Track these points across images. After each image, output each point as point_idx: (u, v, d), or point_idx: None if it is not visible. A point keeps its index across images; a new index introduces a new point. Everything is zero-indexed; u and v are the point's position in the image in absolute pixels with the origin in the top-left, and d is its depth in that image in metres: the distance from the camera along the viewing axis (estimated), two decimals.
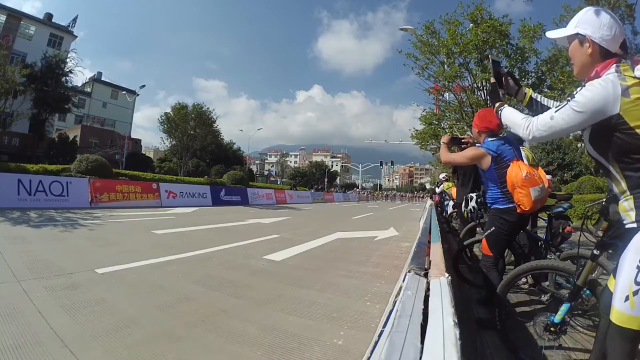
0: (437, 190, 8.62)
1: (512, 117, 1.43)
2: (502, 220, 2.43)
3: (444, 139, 2.67)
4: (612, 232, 1.46)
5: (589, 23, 1.23)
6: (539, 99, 1.64)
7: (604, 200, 1.41)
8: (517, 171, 2.30)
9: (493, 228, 2.46)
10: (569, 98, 1.17)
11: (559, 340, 1.69)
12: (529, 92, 1.67)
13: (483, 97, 12.21)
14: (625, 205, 1.15)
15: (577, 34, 1.25)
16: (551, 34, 1.40)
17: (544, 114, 1.25)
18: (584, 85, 1.15)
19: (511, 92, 1.70)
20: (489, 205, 2.60)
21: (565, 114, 1.16)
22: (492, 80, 1.72)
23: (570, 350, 1.93)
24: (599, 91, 1.09)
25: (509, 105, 1.58)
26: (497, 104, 1.61)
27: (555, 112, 1.19)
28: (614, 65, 1.15)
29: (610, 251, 1.71)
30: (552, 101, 1.63)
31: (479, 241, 3.44)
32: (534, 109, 1.50)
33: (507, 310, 2.27)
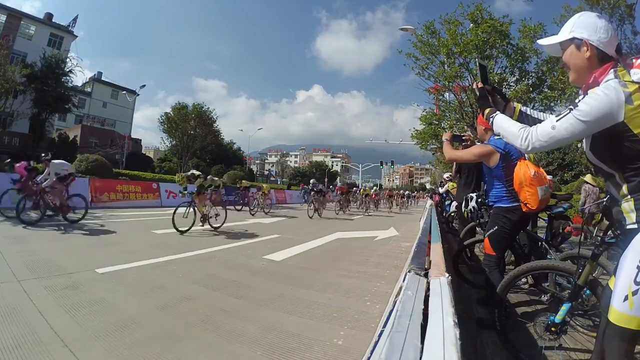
0: (441, 190, 8.59)
1: (507, 125, 1.33)
2: (505, 219, 2.42)
3: (446, 135, 2.65)
4: (612, 232, 1.46)
5: (584, 27, 1.21)
6: (528, 112, 1.58)
7: (605, 200, 1.41)
8: (525, 169, 2.31)
9: (496, 227, 2.45)
10: (571, 107, 1.14)
11: (559, 341, 1.69)
12: (518, 106, 1.59)
13: None
14: (626, 206, 1.15)
15: (574, 38, 1.23)
16: (544, 41, 1.35)
17: (544, 124, 1.19)
18: (587, 93, 1.13)
19: (498, 108, 1.57)
20: (491, 204, 2.59)
21: (569, 123, 1.12)
22: (480, 85, 1.60)
23: (570, 351, 1.93)
24: (602, 99, 1.07)
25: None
26: (487, 111, 1.49)
27: (557, 121, 1.15)
28: (612, 70, 1.14)
29: (611, 251, 1.71)
30: (542, 113, 1.59)
31: (480, 241, 3.43)
32: (525, 123, 1.38)
33: (507, 310, 2.27)
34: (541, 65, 12.60)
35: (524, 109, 1.60)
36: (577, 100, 1.14)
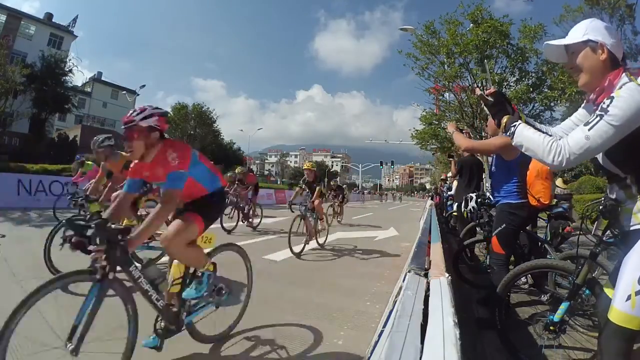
0: (451, 192, 8.55)
1: (534, 138, 1.19)
2: (513, 216, 2.40)
3: (452, 127, 2.52)
4: (611, 231, 1.46)
5: (598, 30, 1.21)
6: (531, 122, 1.49)
7: (603, 199, 1.39)
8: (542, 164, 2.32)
9: (504, 225, 2.41)
10: (600, 113, 1.09)
11: (558, 340, 1.69)
12: (523, 117, 1.48)
13: None
14: (632, 207, 1.15)
15: (588, 40, 1.21)
16: (552, 43, 1.32)
17: (576, 135, 1.12)
18: (610, 97, 1.09)
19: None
20: (497, 199, 2.55)
21: (602, 130, 1.07)
22: (492, 89, 1.39)
23: (569, 350, 1.93)
24: (631, 102, 1.05)
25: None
26: (505, 119, 1.31)
27: (589, 130, 1.09)
28: (624, 74, 1.13)
29: (610, 251, 1.71)
30: (544, 126, 1.53)
31: (479, 241, 3.44)
32: None
33: (507, 310, 2.26)
34: (541, 65, 12.62)
35: (528, 120, 1.50)
36: (604, 106, 1.09)
